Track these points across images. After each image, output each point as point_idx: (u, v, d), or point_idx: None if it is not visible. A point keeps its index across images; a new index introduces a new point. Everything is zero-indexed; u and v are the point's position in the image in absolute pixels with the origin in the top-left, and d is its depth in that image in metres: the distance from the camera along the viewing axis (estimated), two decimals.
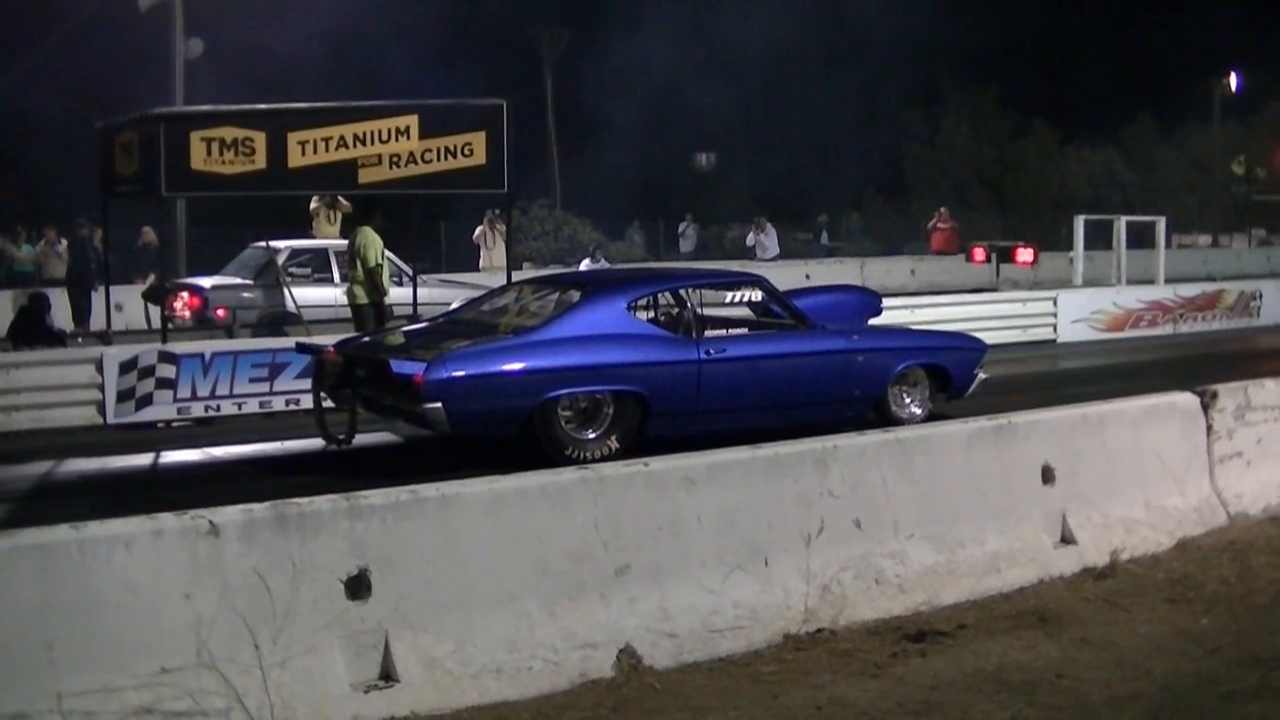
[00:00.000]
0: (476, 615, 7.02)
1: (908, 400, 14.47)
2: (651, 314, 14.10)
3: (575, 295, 13.54)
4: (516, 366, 12.34)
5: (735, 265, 29.38)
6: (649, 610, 7.55)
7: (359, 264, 18.09)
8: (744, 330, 14.53)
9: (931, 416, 14.00)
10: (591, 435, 12.65)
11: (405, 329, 14.96)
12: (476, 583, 7.07)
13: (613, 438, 12.65)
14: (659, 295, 14.28)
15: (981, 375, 15.03)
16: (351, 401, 13.12)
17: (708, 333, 13.76)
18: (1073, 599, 8.80)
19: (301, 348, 14.57)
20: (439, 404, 11.84)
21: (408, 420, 12.86)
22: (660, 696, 7.08)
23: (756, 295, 14.24)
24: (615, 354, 12.76)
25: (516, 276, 19.42)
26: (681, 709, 6.89)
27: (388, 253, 19.19)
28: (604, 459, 11.13)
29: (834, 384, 13.85)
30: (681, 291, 14.20)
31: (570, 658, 7.18)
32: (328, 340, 14.36)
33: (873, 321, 15.59)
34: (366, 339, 14.38)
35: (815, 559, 8.23)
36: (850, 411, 13.84)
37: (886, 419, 13.87)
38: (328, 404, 13.54)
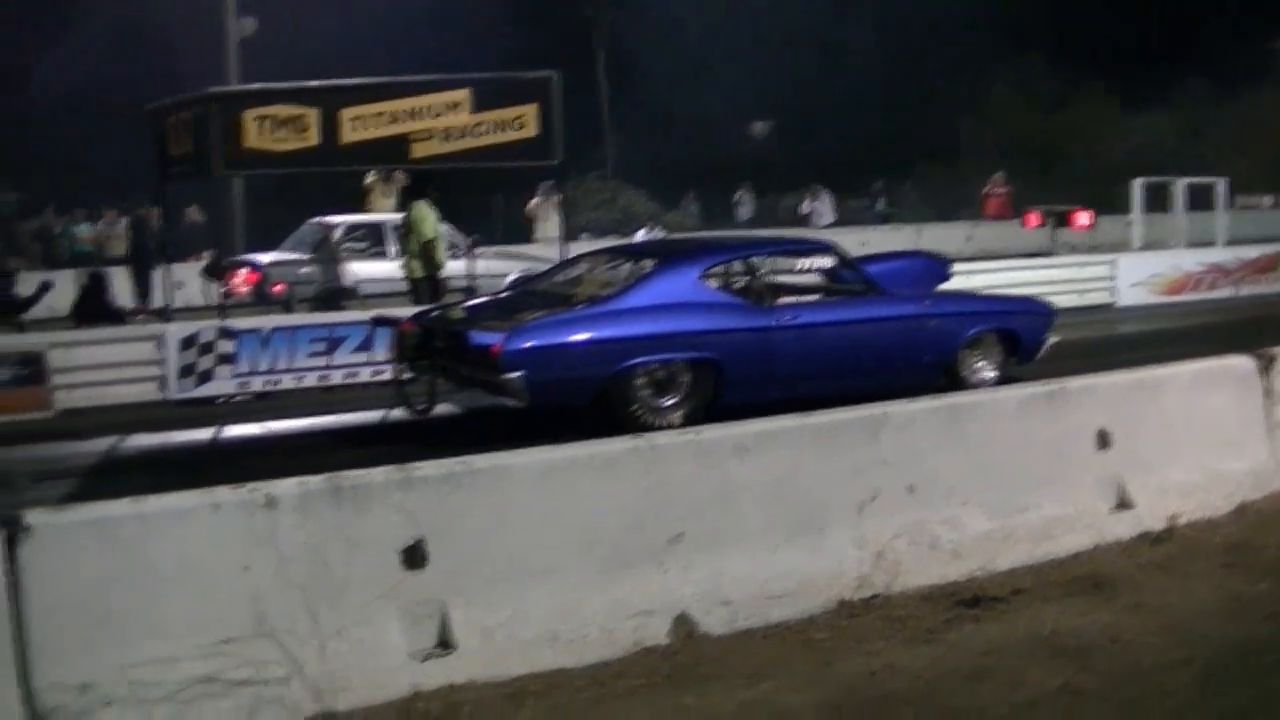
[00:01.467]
0: (531, 584, 7.07)
1: (978, 365, 14.47)
2: (724, 282, 14.14)
3: (649, 265, 13.64)
4: (593, 336, 12.45)
5: (792, 233, 29.28)
6: (703, 578, 7.58)
7: (414, 238, 18.20)
8: (816, 297, 14.54)
9: (1001, 381, 13.97)
10: (667, 403, 12.74)
11: (481, 300, 15.08)
12: (530, 552, 7.13)
13: (688, 405, 12.73)
14: (731, 263, 14.30)
15: (1051, 339, 15.02)
16: (430, 372, 13.25)
17: (780, 300, 13.76)
18: (1128, 564, 8.76)
19: (379, 320, 14.74)
20: (517, 374, 11.96)
21: (486, 390, 12.96)
22: (715, 663, 7.11)
23: (828, 262, 14.31)
24: (690, 322, 12.85)
25: (572, 249, 19.51)
26: (737, 675, 6.92)
27: (445, 225, 19.29)
28: (679, 427, 11.16)
29: (905, 349, 13.88)
30: (754, 259, 14.20)
31: (624, 626, 7.22)
32: (402, 313, 14.52)
33: (941, 287, 15.60)
34: (444, 310, 14.49)
35: (868, 526, 8.25)
36: (921, 377, 13.76)
37: (957, 384, 13.90)
38: (408, 375, 13.69)
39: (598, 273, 14.24)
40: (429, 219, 18.18)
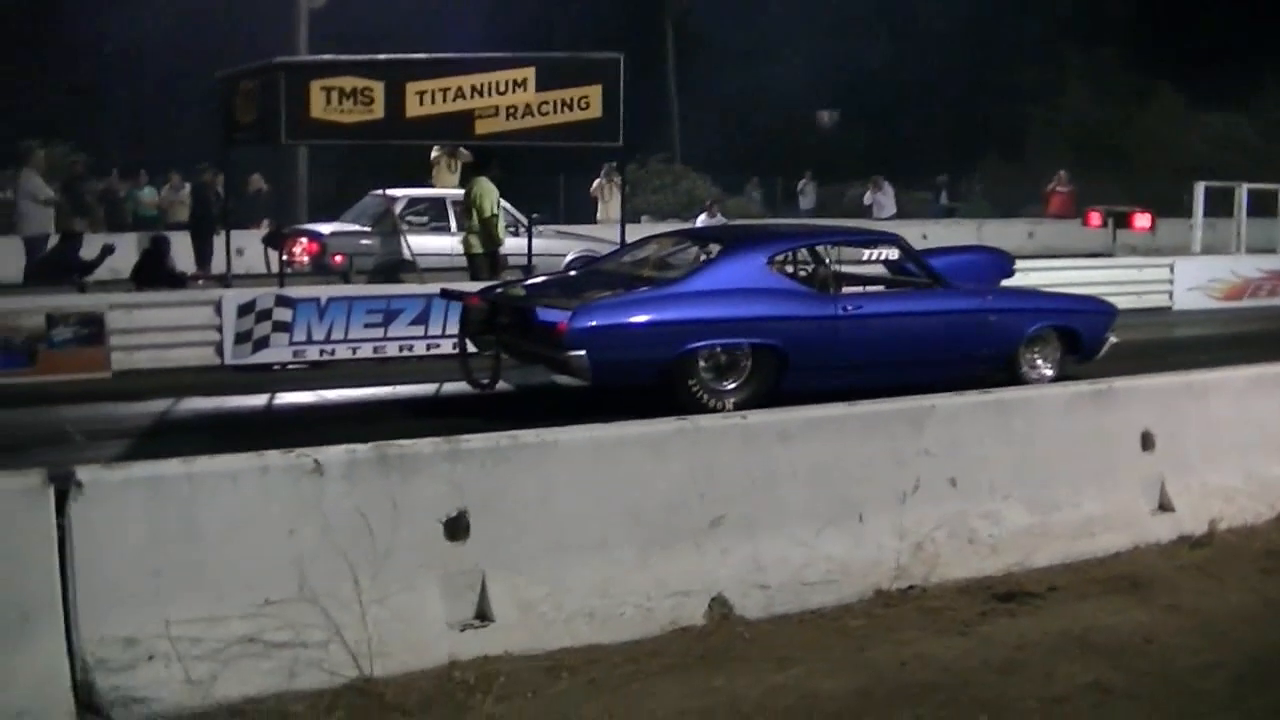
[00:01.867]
0: (571, 560, 7.17)
1: (1038, 361, 14.52)
2: (790, 269, 14.23)
3: (716, 249, 13.76)
4: (658, 317, 12.54)
5: (854, 224, 29.24)
6: (741, 561, 7.66)
7: (475, 214, 18.31)
8: (880, 288, 14.66)
9: (1060, 378, 13.95)
10: (729, 386, 12.82)
11: (548, 277, 15.20)
12: (572, 528, 7.22)
13: (748, 390, 12.80)
14: (798, 251, 14.39)
15: (1112, 339, 15.05)
16: (495, 347, 13.36)
17: (845, 289, 13.85)
18: (1166, 566, 8.80)
19: (447, 294, 14.84)
20: (582, 352, 12.07)
21: (550, 367, 13.10)
22: (749, 645, 7.20)
23: (893, 253, 14.33)
24: (755, 307, 12.92)
25: (633, 230, 19.58)
26: (769, 658, 7.00)
27: (504, 203, 19.39)
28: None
29: (966, 343, 13.94)
30: (820, 248, 14.28)
31: (662, 605, 7.31)
32: (468, 288, 14.64)
33: (1004, 283, 15.63)
34: (510, 287, 14.60)
35: (909, 516, 8.31)
36: (981, 370, 13.81)
37: (1015, 379, 13.96)
38: (472, 349, 13.78)
39: (665, 254, 14.38)
40: (490, 195, 18.27)
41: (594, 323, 12.17)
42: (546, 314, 12.34)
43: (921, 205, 42.01)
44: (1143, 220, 25.90)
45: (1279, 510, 9.91)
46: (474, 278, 17.79)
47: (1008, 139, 49.11)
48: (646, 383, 12.57)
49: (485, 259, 18.38)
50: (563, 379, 13.63)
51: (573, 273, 15.17)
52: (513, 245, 19.84)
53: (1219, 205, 27.95)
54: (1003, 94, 49.98)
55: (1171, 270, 24.28)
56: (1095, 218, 27.18)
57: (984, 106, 50.26)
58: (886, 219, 35.18)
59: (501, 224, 18.69)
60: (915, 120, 51.34)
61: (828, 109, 54.92)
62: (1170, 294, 24.03)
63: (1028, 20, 50.22)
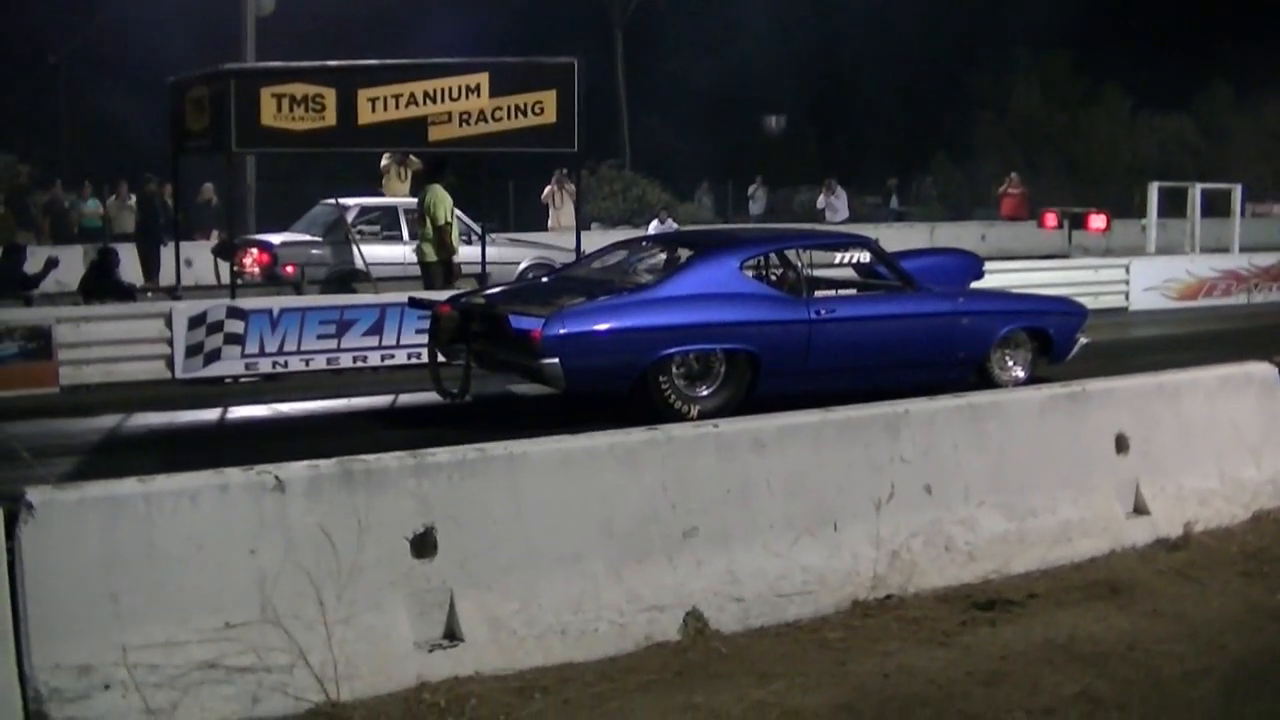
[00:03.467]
0: (542, 575, 6.97)
1: (1010, 363, 14.51)
2: (763, 274, 14.15)
3: (688, 254, 13.67)
4: (632, 323, 12.44)
5: (805, 227, 29.17)
6: (716, 574, 7.48)
7: (428, 222, 18.11)
8: (853, 291, 14.57)
9: (1031, 380, 13.94)
10: (703, 392, 12.75)
11: (519, 284, 15.05)
12: (543, 542, 7.02)
13: (723, 396, 12.73)
14: (770, 255, 14.29)
15: (1083, 340, 15.05)
16: (466, 357, 13.17)
17: (817, 293, 13.76)
18: (1145, 570, 8.68)
19: (415, 303, 14.67)
20: (555, 360, 11.96)
21: (523, 376, 13.03)
22: (726, 661, 7.02)
23: (865, 256, 14.29)
24: (728, 312, 12.86)
25: (585, 237, 19.42)
26: (747, 674, 6.83)
27: (457, 211, 19.19)
28: (714, 417, 11.04)
29: (940, 346, 13.92)
30: (792, 252, 14.16)
31: (636, 620, 7.13)
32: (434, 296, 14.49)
33: (975, 284, 15.61)
34: (480, 294, 14.41)
35: (885, 525, 8.14)
36: (954, 375, 13.85)
37: (988, 382, 13.95)
38: (442, 359, 13.57)
39: (637, 260, 14.36)
40: (444, 203, 18.09)
41: (567, 329, 12.05)
42: (520, 321, 12.17)
43: (873, 209, 42.03)
44: (1098, 221, 26.01)
45: (1254, 512, 9.83)
46: (428, 287, 17.59)
47: (957, 141, 49.27)
48: (620, 390, 12.48)
49: (439, 267, 18.20)
50: (521, 388, 13.44)
51: (544, 279, 15.01)
52: (467, 254, 19.63)
53: (1170, 206, 27.99)
54: (952, 96, 50.20)
55: (1127, 271, 24.31)
56: (1051, 219, 27.26)
57: (933, 109, 50.41)
58: (839, 223, 35.11)
59: (456, 232, 18.51)
60: (864, 123, 51.45)
61: (775, 114, 54.94)
62: (1126, 294, 24.06)
63: (977, 23, 50.39)
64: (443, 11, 39.92)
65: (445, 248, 18.14)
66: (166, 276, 22.78)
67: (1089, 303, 17.50)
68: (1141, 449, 9.44)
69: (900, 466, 8.30)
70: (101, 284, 18.27)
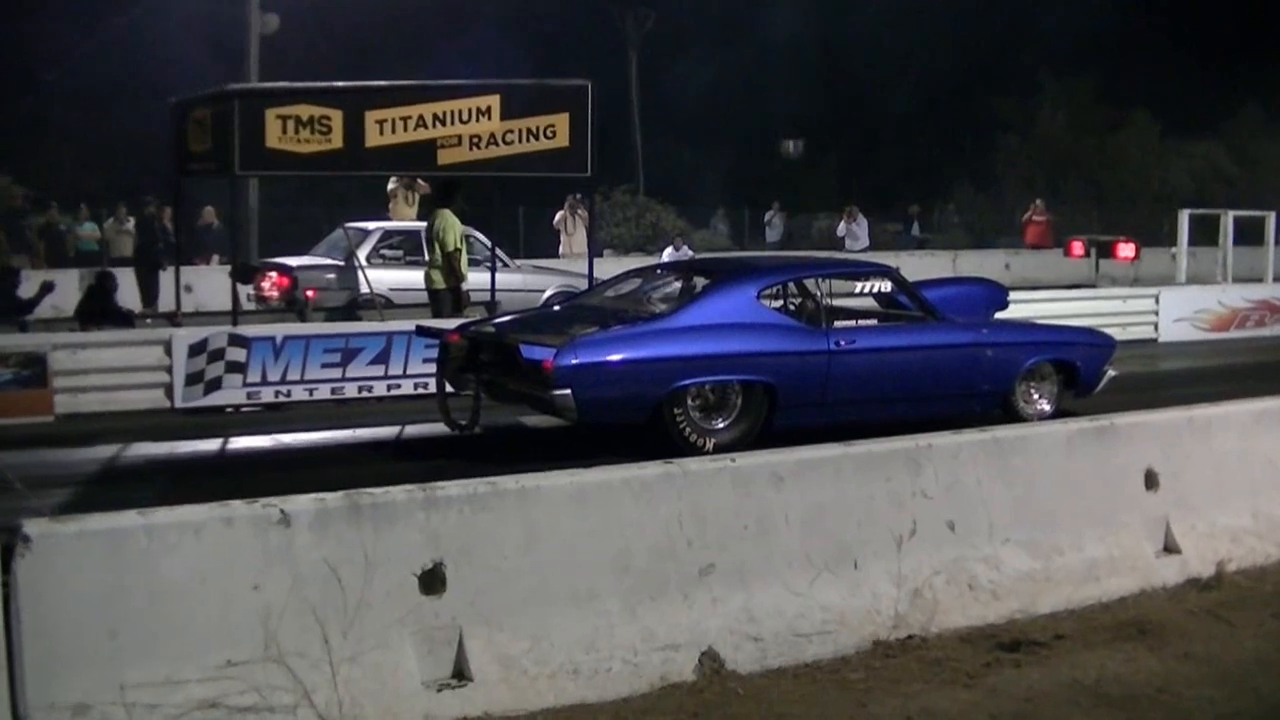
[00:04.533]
0: (554, 613, 6.97)
1: (1035, 396, 14.48)
2: (781, 303, 14.16)
3: (704, 283, 13.67)
4: (646, 354, 12.43)
5: (823, 255, 29.20)
6: (733, 612, 7.48)
7: (438, 247, 18.13)
8: (873, 321, 14.60)
9: (1057, 414, 13.89)
10: (719, 425, 12.74)
11: (530, 312, 15.07)
12: (555, 579, 7.02)
13: (739, 428, 12.73)
14: (788, 284, 14.32)
15: (1111, 372, 14.99)
16: (475, 387, 13.17)
17: (837, 323, 13.79)
18: (1175, 611, 8.66)
19: (423, 331, 14.67)
20: (568, 390, 11.94)
21: (534, 407, 12.97)
22: (743, 702, 7.00)
23: (886, 286, 14.34)
24: (745, 343, 12.84)
25: (598, 264, 19.43)
26: (765, 716, 6.82)
27: (477, 235, 19.22)
28: (730, 450, 11.04)
29: (963, 378, 13.89)
30: (811, 280, 14.18)
31: (650, 659, 7.12)
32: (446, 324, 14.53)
33: (999, 315, 15.59)
34: (490, 323, 14.41)
35: (906, 562, 8.14)
36: (978, 407, 13.86)
37: (1012, 415, 13.91)
38: (450, 389, 13.60)
39: (652, 288, 14.36)
40: (454, 228, 18.11)
41: (580, 360, 12.02)
42: (531, 351, 12.15)
43: (894, 237, 42.04)
44: (1126, 250, 25.93)
45: None
46: (436, 314, 17.60)
47: (981, 168, 49.26)
48: (634, 422, 12.49)
49: (448, 295, 18.20)
50: (532, 419, 13.43)
51: (555, 308, 15.01)
52: (478, 280, 19.59)
53: (1200, 233, 27.95)
54: (975, 121, 50.17)
55: (1157, 301, 24.26)
56: (1077, 247, 27.21)
57: (956, 134, 50.41)
58: (859, 251, 35.13)
59: (465, 258, 18.52)
60: (885, 148, 51.47)
61: (792, 138, 55.01)
62: (1156, 325, 24.01)
63: (1001, 47, 50.41)
64: (453, 33, 40.02)
65: (454, 275, 18.15)
66: (166, 302, 22.80)
67: (1117, 334, 17.50)
68: (1172, 485, 9.43)
69: (922, 502, 8.30)
70: (99, 309, 18.31)
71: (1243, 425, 10.09)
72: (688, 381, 12.49)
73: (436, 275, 18.28)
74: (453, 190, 18.72)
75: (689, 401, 12.57)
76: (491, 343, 13.13)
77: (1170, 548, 9.35)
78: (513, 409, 13.92)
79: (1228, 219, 26.99)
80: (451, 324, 14.64)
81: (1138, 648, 7.94)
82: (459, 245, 18.16)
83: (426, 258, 18.95)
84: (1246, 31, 49.47)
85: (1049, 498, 8.92)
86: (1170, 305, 24.31)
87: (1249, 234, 27.83)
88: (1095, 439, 9.25)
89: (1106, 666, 7.59)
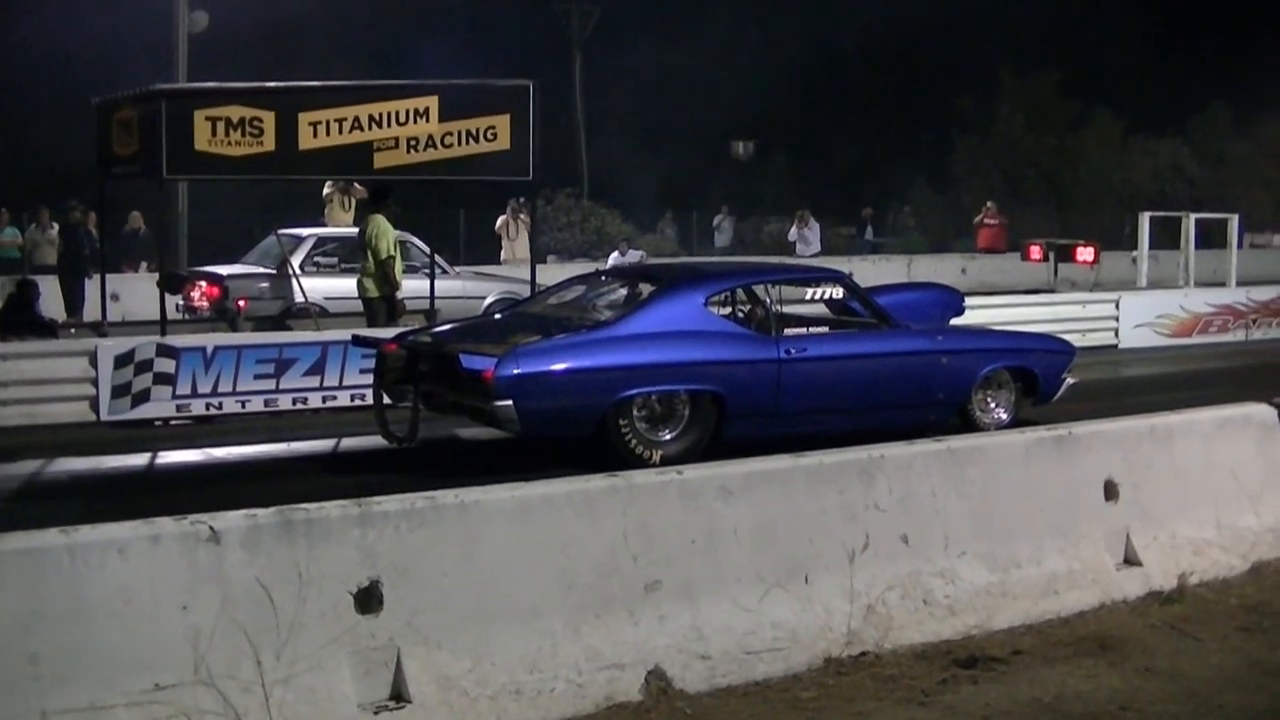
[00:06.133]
0: (496, 631, 6.96)
1: (993, 405, 14.59)
2: (730, 310, 14.20)
3: (650, 289, 13.68)
4: (591, 363, 12.45)
5: (774, 260, 29.27)
6: (680, 629, 7.49)
7: (370, 255, 18.06)
8: (825, 329, 14.62)
9: (1016, 423, 13.95)
10: (666, 436, 12.77)
11: (470, 321, 15.05)
12: (496, 596, 7.01)
13: (687, 439, 12.76)
14: (737, 290, 14.35)
15: (1070, 380, 15.09)
16: (414, 398, 13.14)
17: (787, 331, 13.84)
18: (1137, 625, 8.71)
19: (359, 341, 14.61)
20: (509, 402, 11.94)
21: (475, 419, 12.95)
22: None
23: (838, 292, 14.35)
24: (693, 351, 12.88)
25: (541, 270, 19.41)
26: None
27: (416, 241, 19.15)
28: (678, 462, 11.05)
29: (918, 386, 13.96)
30: (760, 287, 14.23)
31: (595, 679, 7.12)
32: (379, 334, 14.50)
33: (955, 321, 15.68)
34: (429, 332, 14.39)
35: (859, 577, 8.16)
36: (934, 416, 13.91)
37: (969, 424, 13.98)
38: (388, 401, 13.54)
39: (597, 295, 14.37)
40: (387, 234, 18.04)
41: (522, 370, 12.03)
42: (471, 361, 12.16)
43: (847, 241, 42.15)
44: (1086, 254, 26.07)
45: (1253, 563, 9.88)
46: (371, 323, 17.55)
47: (938, 169, 49.43)
48: (578, 433, 12.52)
49: (382, 303, 18.14)
50: (473, 431, 13.42)
51: (497, 316, 15.00)
52: (414, 287, 19.53)
53: (1163, 236, 28.14)
54: (932, 121, 50.33)
55: (1117, 306, 24.40)
56: (1036, 251, 27.32)
57: (912, 134, 50.56)
58: (811, 256, 35.20)
59: (400, 265, 18.45)
60: (838, 150, 51.58)
61: (742, 140, 55.09)
62: (1116, 331, 24.16)
63: (959, 42, 50.60)
64: (391, 33, 39.96)
65: (388, 282, 18.09)
66: (91, 312, 22.63)
67: (1076, 340, 17.68)
68: (1132, 496, 9.50)
69: (875, 515, 8.33)
70: (20, 319, 18.16)
71: (1205, 434, 10.17)
72: (633, 391, 12.51)
73: (370, 283, 18.21)
74: (386, 194, 18.63)
75: (635, 412, 12.59)
76: (430, 353, 13.10)
77: (1131, 560, 9.42)
78: (453, 420, 13.88)
79: (1189, 222, 27.19)
80: (389, 334, 14.59)
81: (1098, 663, 7.98)
82: (392, 252, 18.10)
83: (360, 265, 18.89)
84: (1212, 27, 49.85)
85: (1006, 509, 8.96)
86: (1131, 310, 24.46)
87: (1213, 237, 28.05)
88: (1053, 449, 9.30)
89: (1066, 683, 7.63)
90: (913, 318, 14.43)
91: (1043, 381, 14.75)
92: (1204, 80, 49.22)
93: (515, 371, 11.96)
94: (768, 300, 13.95)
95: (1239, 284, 26.86)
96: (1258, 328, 25.76)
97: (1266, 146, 49.99)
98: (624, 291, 14.27)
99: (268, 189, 23.77)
